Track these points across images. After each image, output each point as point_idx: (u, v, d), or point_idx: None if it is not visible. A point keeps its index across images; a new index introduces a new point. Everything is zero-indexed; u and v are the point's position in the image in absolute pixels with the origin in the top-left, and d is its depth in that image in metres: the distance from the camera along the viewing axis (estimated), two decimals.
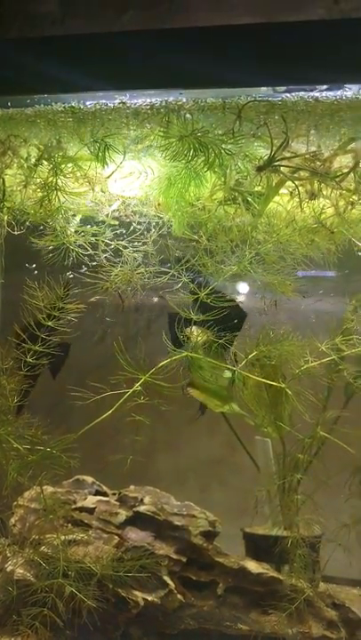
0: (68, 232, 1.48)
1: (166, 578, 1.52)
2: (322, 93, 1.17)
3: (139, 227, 1.55)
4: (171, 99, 1.24)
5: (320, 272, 1.60)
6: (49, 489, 1.65)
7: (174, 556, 1.54)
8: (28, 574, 1.50)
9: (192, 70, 1.15)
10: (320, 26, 1.15)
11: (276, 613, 1.44)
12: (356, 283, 1.73)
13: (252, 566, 1.53)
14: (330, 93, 1.18)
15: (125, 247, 1.50)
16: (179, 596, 1.51)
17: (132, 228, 1.56)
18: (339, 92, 1.18)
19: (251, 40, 1.18)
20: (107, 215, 1.57)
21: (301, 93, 1.18)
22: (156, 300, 1.56)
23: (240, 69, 1.19)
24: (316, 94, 1.18)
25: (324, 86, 1.15)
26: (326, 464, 1.53)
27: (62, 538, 1.52)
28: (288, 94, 1.19)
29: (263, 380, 1.48)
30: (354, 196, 1.29)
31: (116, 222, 1.59)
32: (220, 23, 1.19)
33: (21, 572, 1.51)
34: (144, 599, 1.48)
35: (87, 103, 1.30)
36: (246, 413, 1.66)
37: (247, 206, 1.35)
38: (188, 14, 1.29)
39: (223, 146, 1.22)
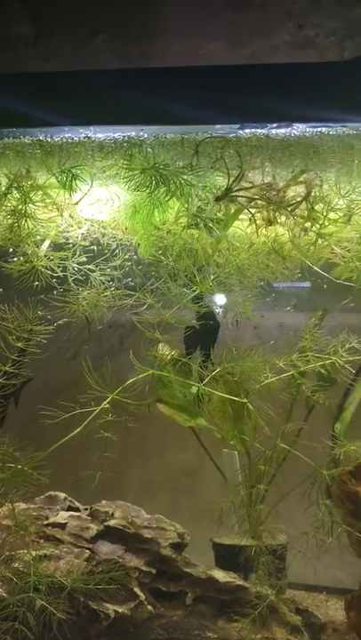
0: (38, 256, 1.53)
1: (136, 589, 1.55)
2: (272, 131, 1.26)
3: (106, 250, 1.62)
4: (133, 134, 1.31)
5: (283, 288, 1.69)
6: (21, 505, 1.68)
7: (144, 568, 1.58)
8: (0, 590, 1.52)
9: (152, 108, 1.23)
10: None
11: (242, 620, 1.49)
12: (317, 300, 1.82)
13: (220, 575, 1.59)
14: (280, 130, 1.27)
15: (93, 271, 1.57)
16: (149, 607, 1.55)
17: (99, 250, 1.63)
18: (288, 130, 1.27)
19: (215, 78, 1.27)
20: (77, 237, 1.63)
21: (253, 130, 1.27)
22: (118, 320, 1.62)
23: (202, 107, 1.27)
24: (265, 131, 1.27)
25: (275, 124, 1.24)
26: (290, 475, 1.61)
27: (34, 553, 1.55)
28: (241, 131, 1.27)
29: (225, 396, 1.55)
30: (307, 223, 1.38)
31: (86, 243, 1.65)
32: (186, 63, 1.27)
33: None
34: (115, 611, 1.52)
35: (54, 137, 1.37)
36: (213, 427, 1.72)
37: (209, 231, 1.42)
38: (155, 45, 1.37)
39: (184, 177, 1.29)
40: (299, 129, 1.25)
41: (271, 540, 1.67)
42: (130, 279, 1.54)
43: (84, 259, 1.59)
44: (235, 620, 1.53)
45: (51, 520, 1.69)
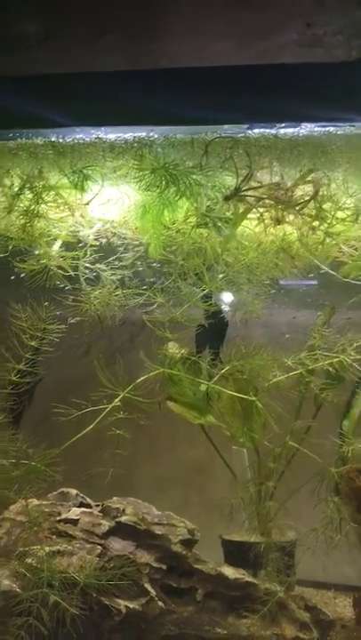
0: (50, 256, 1.56)
1: (147, 585, 1.57)
2: (280, 130, 1.28)
3: (117, 249, 1.64)
4: (143, 134, 1.33)
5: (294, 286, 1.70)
6: (34, 502, 1.70)
7: (155, 564, 1.60)
8: (14, 585, 1.55)
9: (160, 109, 1.25)
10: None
11: (252, 616, 1.51)
12: (325, 298, 1.83)
13: (229, 572, 1.60)
14: (288, 130, 1.28)
15: (104, 270, 1.59)
16: (160, 602, 1.56)
17: (111, 250, 1.65)
18: (296, 130, 1.28)
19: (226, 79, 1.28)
20: (88, 237, 1.66)
21: (262, 130, 1.29)
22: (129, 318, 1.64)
23: (212, 108, 1.29)
24: (274, 131, 1.28)
25: (283, 124, 1.26)
26: (298, 472, 1.62)
27: (47, 549, 1.57)
28: (249, 131, 1.29)
29: (234, 394, 1.56)
30: (315, 222, 1.39)
31: (97, 243, 1.67)
32: (193, 63, 1.29)
33: (7, 583, 1.55)
34: (126, 607, 1.53)
35: (66, 137, 1.39)
36: (223, 424, 1.74)
37: (218, 231, 1.44)
38: (161, 45, 1.39)
39: (193, 177, 1.31)
40: (307, 128, 1.26)
41: (280, 536, 1.68)
42: (153, 279, 1.56)
43: (95, 258, 1.62)
44: (244, 617, 1.54)
45: (63, 516, 1.71)
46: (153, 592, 1.56)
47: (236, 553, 1.69)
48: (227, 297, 1.67)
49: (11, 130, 1.39)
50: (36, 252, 1.56)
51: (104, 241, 1.65)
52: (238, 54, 1.54)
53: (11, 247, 1.59)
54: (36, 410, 1.76)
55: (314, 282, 1.72)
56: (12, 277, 1.59)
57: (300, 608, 1.56)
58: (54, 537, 1.68)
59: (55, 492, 1.78)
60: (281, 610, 1.53)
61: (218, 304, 1.63)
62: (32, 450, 1.55)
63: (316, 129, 1.28)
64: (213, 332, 1.66)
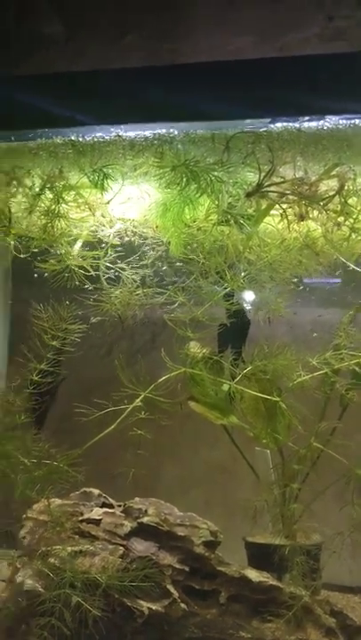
0: (71, 256, 1.55)
1: (170, 587, 1.55)
2: (303, 124, 1.25)
3: (138, 248, 1.63)
4: (163, 131, 1.32)
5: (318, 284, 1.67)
6: (57, 501, 1.70)
7: (177, 566, 1.58)
8: (37, 585, 1.55)
9: (182, 104, 1.23)
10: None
11: (276, 621, 1.48)
12: (351, 296, 1.79)
13: (253, 575, 1.57)
14: (312, 124, 1.25)
15: (124, 269, 1.58)
16: (182, 604, 1.54)
17: (131, 249, 1.64)
18: (321, 123, 1.25)
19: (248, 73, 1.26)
20: (109, 236, 1.65)
21: (285, 124, 1.26)
22: (151, 318, 1.63)
23: (236, 103, 1.27)
24: (297, 125, 1.25)
25: (307, 117, 1.23)
26: (324, 474, 1.58)
27: (69, 549, 1.57)
28: (272, 125, 1.26)
29: (257, 394, 1.54)
30: (340, 218, 1.35)
31: (118, 243, 1.67)
32: (214, 58, 1.27)
33: (30, 582, 1.56)
34: (149, 608, 1.52)
35: (86, 136, 1.39)
36: (246, 425, 1.71)
37: (240, 228, 1.42)
38: (182, 42, 1.37)
39: (214, 173, 1.29)
40: (331, 121, 1.23)
41: (305, 539, 1.64)
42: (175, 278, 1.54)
43: (116, 258, 1.61)
44: (269, 621, 1.52)
45: (85, 516, 1.71)
46: (176, 594, 1.55)
47: (260, 556, 1.66)
48: (249, 295, 1.64)
49: (33, 130, 1.39)
50: (58, 252, 1.56)
51: (125, 240, 1.64)
52: (260, 49, 1.52)
53: (32, 247, 1.59)
54: (59, 410, 1.76)
55: (338, 279, 1.69)
56: (35, 276, 1.59)
57: (326, 613, 1.53)
58: (77, 537, 1.68)
59: (77, 492, 1.79)
60: (306, 615, 1.50)
61: (240, 303, 1.60)
62: (54, 450, 1.56)
63: (340, 122, 1.24)
64: (235, 331, 1.63)
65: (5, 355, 2.15)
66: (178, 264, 1.57)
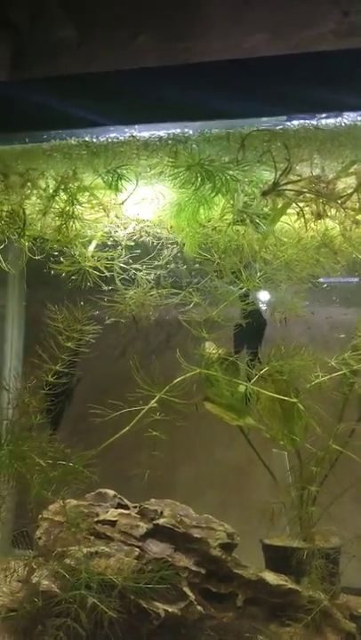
0: (86, 257, 1.55)
1: (186, 589, 1.55)
2: (321, 121, 1.23)
3: (152, 249, 1.63)
4: (177, 131, 1.31)
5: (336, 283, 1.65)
6: (72, 502, 1.70)
7: (194, 568, 1.57)
8: (53, 586, 1.55)
9: (201, 104, 1.22)
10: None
11: (295, 625, 1.46)
12: None
13: (271, 578, 1.56)
14: (329, 120, 1.23)
15: (139, 270, 1.58)
16: (199, 607, 1.53)
17: (145, 250, 1.64)
18: (338, 119, 1.23)
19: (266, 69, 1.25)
20: (123, 238, 1.65)
21: (302, 121, 1.24)
22: (168, 318, 1.62)
23: (251, 100, 1.25)
24: (315, 122, 1.23)
25: (324, 114, 1.21)
26: (342, 476, 1.56)
27: (85, 550, 1.57)
28: (288, 122, 1.25)
29: (274, 395, 1.52)
30: (358, 216, 1.33)
31: (132, 244, 1.66)
32: (228, 57, 1.26)
33: (46, 583, 1.56)
34: (165, 610, 1.51)
35: (99, 137, 1.38)
36: (262, 426, 1.69)
37: (256, 227, 1.40)
38: (196, 42, 1.36)
39: (230, 172, 1.28)
40: (350, 118, 1.21)
41: (324, 542, 1.62)
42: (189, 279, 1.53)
43: (130, 259, 1.61)
44: (287, 625, 1.50)
45: (101, 517, 1.71)
46: (192, 596, 1.54)
47: (278, 558, 1.64)
48: (265, 295, 1.62)
49: (47, 131, 1.39)
50: (73, 254, 1.56)
51: (139, 240, 1.64)
52: (275, 46, 1.50)
53: (47, 249, 1.60)
54: (74, 411, 1.76)
55: (357, 279, 1.66)
56: (50, 277, 1.59)
57: (346, 617, 1.51)
58: (92, 538, 1.68)
59: (93, 493, 1.78)
60: (325, 619, 1.48)
61: (256, 303, 1.59)
62: (70, 450, 1.56)
63: (359, 118, 1.22)
64: (251, 331, 1.62)
65: (20, 356, 2.16)
66: (193, 264, 1.56)
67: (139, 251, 1.63)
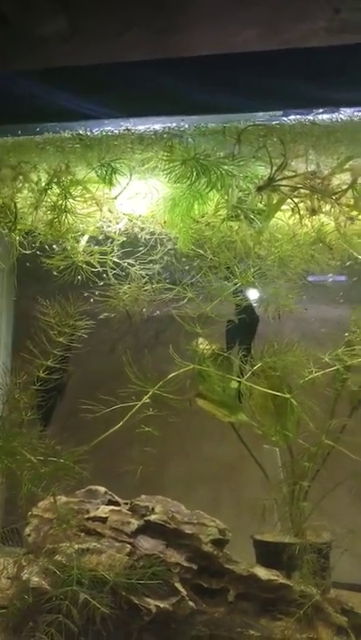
0: (78, 251, 1.54)
1: (178, 585, 1.55)
2: (318, 116, 1.23)
3: (145, 243, 1.61)
4: (173, 124, 1.30)
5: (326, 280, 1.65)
6: (63, 499, 1.69)
7: (185, 564, 1.57)
8: (44, 582, 1.54)
9: (195, 97, 1.21)
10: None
11: (286, 619, 1.47)
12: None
13: (262, 573, 1.56)
14: (325, 116, 1.23)
15: (132, 265, 1.56)
16: (190, 602, 1.54)
17: (138, 244, 1.62)
18: (334, 115, 1.23)
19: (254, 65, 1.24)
20: (115, 233, 1.63)
21: (298, 117, 1.24)
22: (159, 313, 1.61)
23: (243, 95, 1.25)
24: (311, 117, 1.23)
25: (321, 109, 1.21)
26: (334, 471, 1.57)
27: (76, 547, 1.57)
28: (285, 118, 1.24)
29: (267, 391, 1.52)
30: (353, 212, 1.33)
31: (124, 238, 1.65)
32: (220, 51, 1.25)
33: (37, 580, 1.55)
34: (156, 606, 1.51)
35: (94, 130, 1.36)
36: (254, 422, 1.70)
37: (250, 223, 1.40)
38: (187, 35, 1.35)
39: (225, 167, 1.27)
40: (346, 113, 1.21)
41: (315, 538, 1.63)
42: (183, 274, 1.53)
43: (122, 254, 1.59)
44: (278, 619, 1.51)
45: (92, 514, 1.70)
46: (184, 592, 1.54)
47: (269, 554, 1.65)
48: (258, 291, 1.62)
49: (40, 123, 1.37)
50: (65, 248, 1.54)
51: (133, 235, 1.62)
52: (266, 41, 1.49)
53: (38, 243, 1.58)
54: (65, 406, 1.75)
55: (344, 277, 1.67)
56: (41, 271, 1.58)
57: (337, 611, 1.52)
58: (83, 535, 1.67)
59: (83, 490, 1.78)
60: (317, 613, 1.49)
61: (249, 299, 1.58)
62: (60, 447, 1.54)
63: (355, 114, 1.22)
64: (244, 327, 1.62)
65: (9, 351, 2.14)
66: (186, 260, 1.55)
67: (128, 245, 1.61)
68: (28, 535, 1.70)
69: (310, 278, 1.58)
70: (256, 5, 1.47)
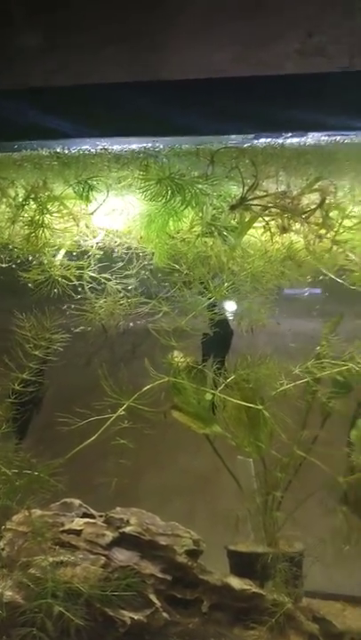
0: (54, 265, 1.55)
1: (152, 596, 1.56)
2: (286, 140, 1.28)
3: (122, 258, 1.64)
4: (149, 145, 1.33)
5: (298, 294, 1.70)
6: (37, 512, 1.69)
7: (160, 575, 1.59)
8: (17, 596, 1.54)
9: (169, 119, 1.24)
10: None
11: (259, 628, 1.49)
12: (333, 305, 1.83)
13: (236, 583, 1.58)
14: (294, 140, 1.28)
15: (109, 279, 1.59)
16: (164, 614, 1.55)
17: (114, 259, 1.65)
18: (303, 139, 1.28)
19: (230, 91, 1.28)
20: (92, 247, 1.66)
21: (268, 139, 1.29)
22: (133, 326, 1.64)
23: (218, 119, 1.29)
24: (281, 140, 1.28)
25: (290, 134, 1.26)
26: (306, 482, 1.60)
27: (50, 560, 1.56)
28: (256, 140, 1.29)
29: (240, 402, 1.55)
30: (321, 230, 1.39)
31: (101, 252, 1.67)
32: (194, 76, 1.29)
33: (10, 594, 1.54)
34: (131, 618, 1.52)
35: (71, 148, 1.39)
36: (228, 434, 1.73)
37: (223, 239, 1.44)
38: (166, 56, 1.39)
39: (199, 186, 1.31)
40: (314, 137, 1.26)
41: (287, 547, 1.66)
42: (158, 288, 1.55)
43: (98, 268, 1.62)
44: (251, 628, 1.53)
45: (66, 527, 1.70)
46: (158, 603, 1.55)
47: (243, 564, 1.67)
48: (232, 305, 1.66)
49: (15, 141, 1.39)
50: (41, 262, 1.56)
51: (110, 251, 1.65)
52: (238, 65, 1.54)
53: (15, 257, 1.59)
54: (41, 419, 1.75)
55: (319, 290, 1.72)
56: (18, 285, 1.59)
57: (309, 619, 1.55)
58: (57, 547, 1.66)
59: (58, 503, 1.77)
60: (289, 621, 1.52)
61: (223, 313, 1.62)
62: (35, 459, 1.54)
63: (323, 138, 1.27)
64: (219, 340, 1.65)
65: None
66: (162, 275, 1.59)
67: (104, 260, 1.64)
68: (2, 549, 1.69)
69: (286, 291, 1.63)
70: (229, 29, 1.51)
